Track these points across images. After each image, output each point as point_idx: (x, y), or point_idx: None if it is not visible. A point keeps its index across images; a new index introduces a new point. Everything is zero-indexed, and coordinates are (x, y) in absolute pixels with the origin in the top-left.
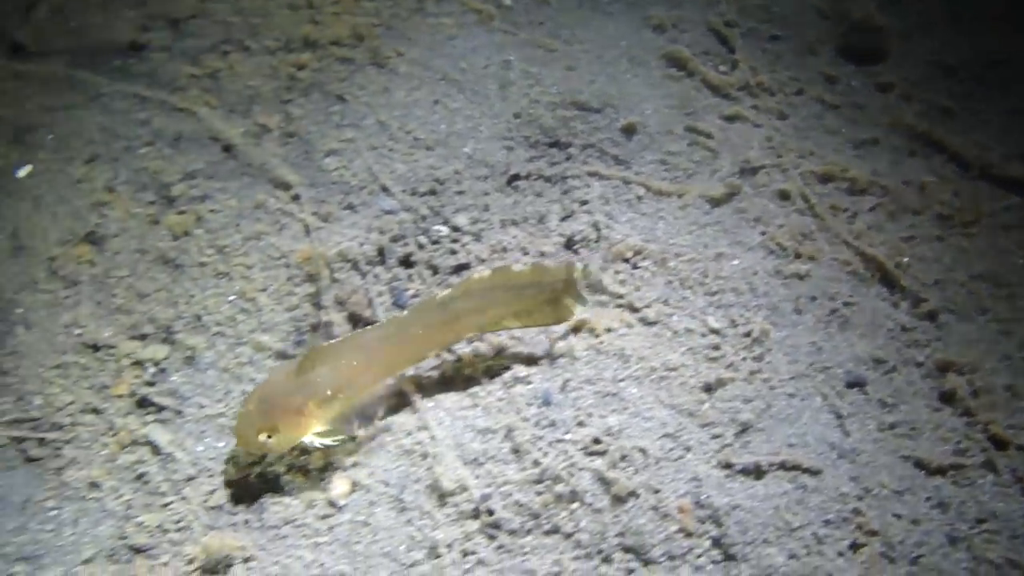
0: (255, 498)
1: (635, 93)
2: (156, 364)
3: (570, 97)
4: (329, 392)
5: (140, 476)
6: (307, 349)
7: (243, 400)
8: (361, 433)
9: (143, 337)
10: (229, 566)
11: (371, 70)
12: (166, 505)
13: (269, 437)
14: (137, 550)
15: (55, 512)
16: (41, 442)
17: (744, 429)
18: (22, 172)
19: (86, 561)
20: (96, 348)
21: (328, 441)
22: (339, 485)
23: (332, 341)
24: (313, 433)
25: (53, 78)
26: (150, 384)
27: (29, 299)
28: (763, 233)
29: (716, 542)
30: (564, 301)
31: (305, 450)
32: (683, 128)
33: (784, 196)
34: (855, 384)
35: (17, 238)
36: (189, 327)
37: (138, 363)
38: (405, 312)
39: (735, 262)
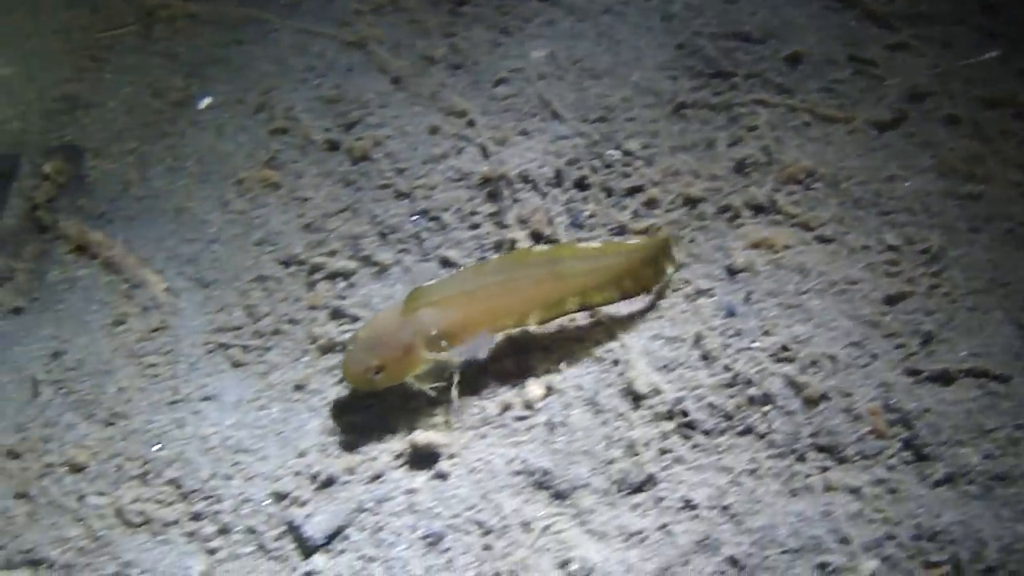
0: (452, 402)
1: (796, 24)
2: (346, 278)
3: (732, 28)
4: (435, 332)
5: (342, 380)
6: (411, 289)
7: (351, 338)
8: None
9: (332, 253)
10: (435, 460)
11: (533, 4)
12: (368, 407)
13: (376, 374)
14: (346, 446)
15: (265, 411)
16: (245, 349)
17: (928, 339)
18: (203, 103)
19: (301, 454)
20: (288, 263)
21: (426, 387)
22: (534, 389)
23: (434, 281)
24: (414, 375)
25: (225, 17)
26: (342, 297)
27: (220, 219)
28: (933, 156)
29: (907, 443)
30: (662, 263)
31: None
32: (846, 57)
33: (953, 121)
34: None
35: (204, 164)
36: (375, 244)
37: (329, 277)
38: (499, 256)
39: (907, 184)
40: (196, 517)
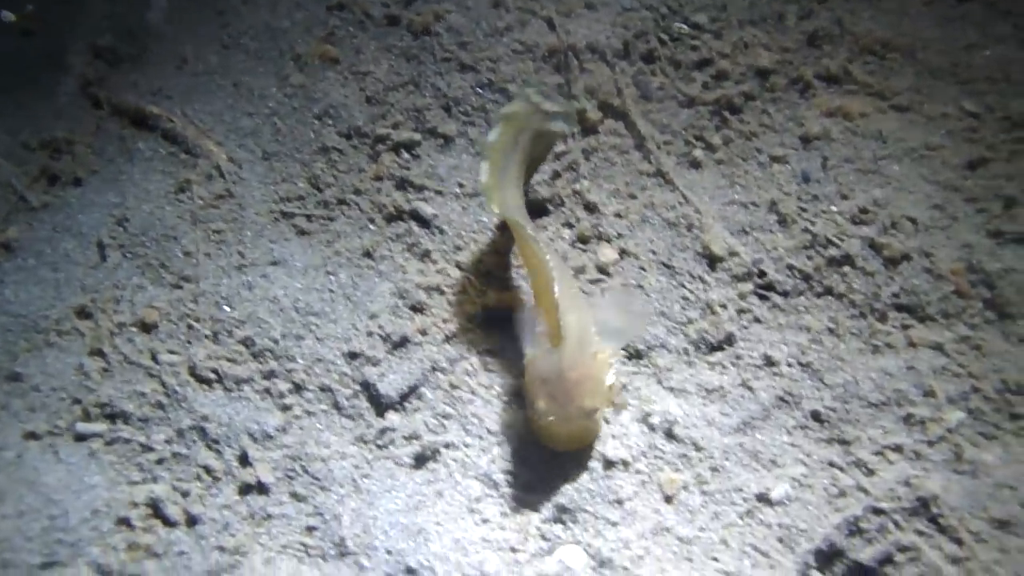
0: (522, 266)
1: None
2: (410, 149)
3: None
4: (593, 330)
5: (411, 246)
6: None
7: (539, 413)
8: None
9: (395, 125)
10: (508, 318)
11: None
12: (440, 270)
13: (594, 415)
14: (416, 308)
15: (334, 276)
16: (310, 218)
17: (1010, 203)
18: None
19: (372, 316)
20: (350, 136)
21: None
22: (607, 253)
23: (550, 297)
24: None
25: None
26: (406, 168)
27: (280, 94)
28: (1016, 25)
29: (990, 303)
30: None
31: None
32: None
33: None
34: None
35: (260, 40)
36: (439, 116)
37: (393, 148)
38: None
39: (987, 52)
40: (269, 375)
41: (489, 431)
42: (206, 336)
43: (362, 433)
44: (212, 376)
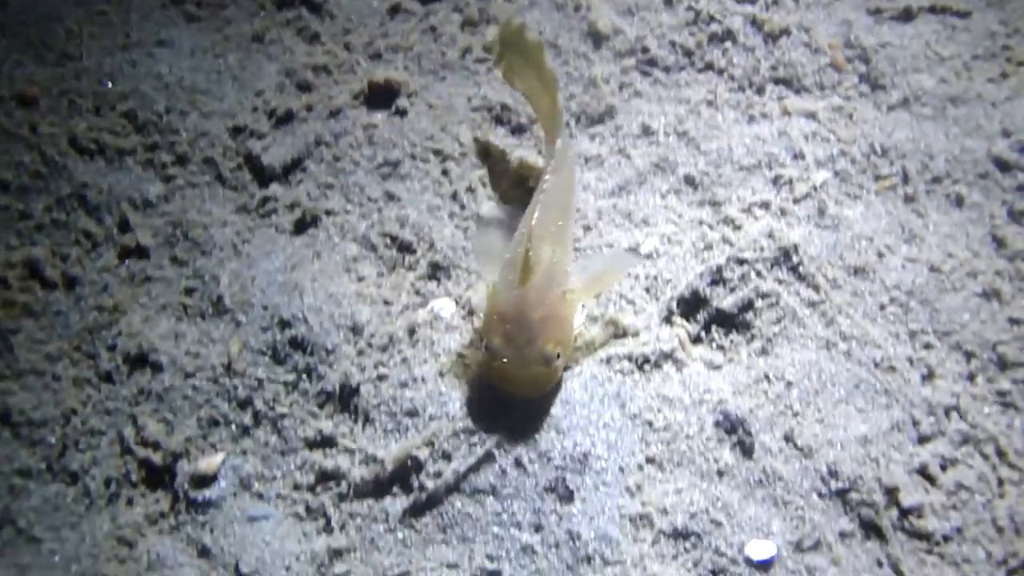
0: (411, 48)
1: None
2: None
3: None
4: (568, 268)
5: (300, 30)
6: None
7: (493, 352)
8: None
9: None
10: (393, 98)
11: None
12: (328, 51)
13: (556, 360)
14: (303, 86)
15: (222, 59)
16: (199, 5)
17: None
18: None
19: (258, 93)
20: None
21: (591, 329)
22: (493, 34)
23: (528, 223)
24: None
25: None
26: None
27: None
28: None
29: (864, 76)
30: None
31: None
32: None
33: None
34: None
35: None
36: None
37: None
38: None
39: None
40: (152, 148)
41: (370, 199)
42: (87, 110)
43: (244, 203)
44: (93, 147)
